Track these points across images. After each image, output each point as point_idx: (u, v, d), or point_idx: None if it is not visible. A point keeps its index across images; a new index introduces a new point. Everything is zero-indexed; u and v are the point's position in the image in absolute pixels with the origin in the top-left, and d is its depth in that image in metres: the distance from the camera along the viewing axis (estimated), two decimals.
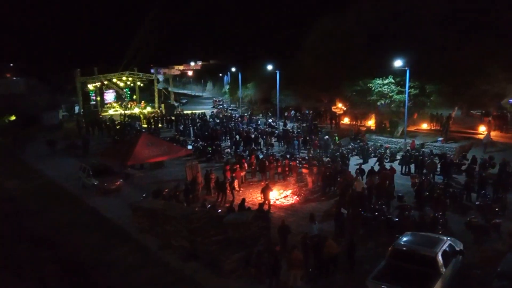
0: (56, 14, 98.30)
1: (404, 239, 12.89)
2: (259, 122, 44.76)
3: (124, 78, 53.65)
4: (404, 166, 25.11)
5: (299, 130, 37.46)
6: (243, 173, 23.28)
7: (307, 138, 32.63)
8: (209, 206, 17.68)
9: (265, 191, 19.43)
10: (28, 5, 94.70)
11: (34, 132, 40.65)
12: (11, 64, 74.03)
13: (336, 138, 32.16)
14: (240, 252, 13.79)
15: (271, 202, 19.84)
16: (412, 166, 24.67)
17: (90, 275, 13.93)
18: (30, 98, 52.69)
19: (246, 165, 24.38)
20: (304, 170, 23.41)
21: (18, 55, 70.71)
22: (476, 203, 18.01)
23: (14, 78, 67.11)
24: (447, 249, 12.32)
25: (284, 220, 15.41)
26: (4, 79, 64.98)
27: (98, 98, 53.02)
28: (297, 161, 24.95)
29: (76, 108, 52.23)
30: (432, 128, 33.34)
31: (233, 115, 50.80)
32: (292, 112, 46.94)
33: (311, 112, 44.65)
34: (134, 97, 58.72)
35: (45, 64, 72.77)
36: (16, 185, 24.28)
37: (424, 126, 34.02)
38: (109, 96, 56.09)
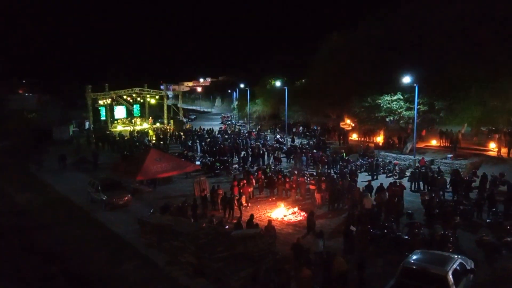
0: (70, 31, 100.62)
1: (414, 257, 12.69)
2: (267, 138, 44.84)
3: (134, 95, 54.36)
4: (413, 183, 24.92)
5: (307, 146, 37.43)
6: (250, 189, 23.23)
7: (315, 154, 32.52)
8: (216, 222, 17.63)
9: (311, 219, 17.78)
10: (41, 21, 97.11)
11: (45, 147, 41.15)
12: (24, 81, 75.49)
13: (344, 154, 32.05)
14: (247, 269, 13.68)
15: (279, 219, 19.78)
16: (422, 183, 24.47)
17: None
18: (41, 113, 53.57)
19: (254, 181, 24.35)
20: (311, 186, 23.28)
21: (30, 71, 72.28)
22: (487, 220, 17.78)
23: (27, 94, 68.39)
24: (458, 267, 12.10)
25: (299, 238, 15.25)
26: (17, 95, 66.22)
27: (108, 114, 53.66)
28: (305, 177, 24.85)
29: (87, 124, 52.90)
30: (442, 144, 33.12)
31: (241, 130, 50.97)
32: (300, 128, 47.00)
33: (319, 128, 44.65)
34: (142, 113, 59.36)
35: (57, 80, 74.14)
36: (27, 199, 24.50)
37: (434, 142, 33.83)
38: (119, 112, 56.74)
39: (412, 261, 12.43)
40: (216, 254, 14.28)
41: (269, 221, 16.78)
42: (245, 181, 23.08)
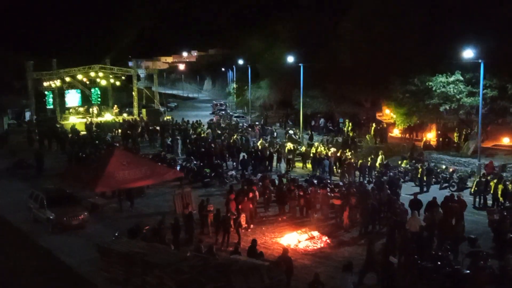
0: None
1: None
2: (275, 134, 44.82)
3: (92, 74, 54.40)
4: (478, 197, 24.88)
5: (330, 145, 37.41)
6: (253, 205, 23.23)
7: (342, 157, 32.54)
8: (205, 249, 17.66)
9: (372, 251, 17.26)
10: None
11: None
12: None
13: (382, 156, 32.08)
14: None
15: (292, 246, 19.79)
16: (490, 197, 24.45)
17: None
18: None
19: (257, 193, 24.34)
20: (336, 201, 23.29)
21: None
22: None
23: None
24: None
25: (317, 274, 15.25)
26: None
27: (57, 101, 53.72)
28: (328, 189, 24.86)
29: (27, 114, 52.92)
30: None
31: (240, 124, 50.95)
32: (321, 120, 46.99)
33: (347, 120, 44.62)
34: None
35: None
36: None
37: (506, 141, 33.73)
38: (72, 98, 56.76)
39: None
40: None
41: (285, 251, 16.76)
42: (249, 194, 23.09)
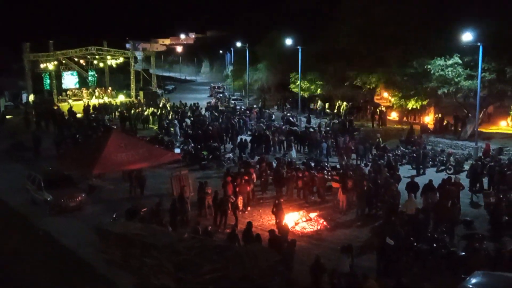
0: None
1: (474, 280, 12.77)
2: (273, 117, 44.80)
3: (89, 56, 54.15)
4: (474, 180, 24.94)
5: (328, 128, 37.39)
6: (250, 187, 23.31)
7: (340, 139, 32.55)
8: (202, 231, 17.74)
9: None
10: None
11: None
12: None
13: (379, 140, 32.11)
14: None
15: (289, 228, 19.87)
16: (486, 180, 24.48)
17: None
18: None
19: (254, 176, 24.38)
20: (334, 184, 23.37)
21: None
22: None
23: None
24: None
25: (318, 256, 15.35)
26: None
27: (54, 83, 53.54)
28: (325, 172, 24.92)
29: (24, 96, 52.77)
30: None
31: (238, 107, 50.87)
32: (319, 104, 46.90)
33: (344, 103, 44.56)
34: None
35: None
36: None
37: (503, 124, 33.77)
38: (69, 80, 56.56)
39: (471, 286, 12.51)
40: (202, 275, 14.35)
41: (272, 232, 16.92)
42: (242, 177, 23.13)
